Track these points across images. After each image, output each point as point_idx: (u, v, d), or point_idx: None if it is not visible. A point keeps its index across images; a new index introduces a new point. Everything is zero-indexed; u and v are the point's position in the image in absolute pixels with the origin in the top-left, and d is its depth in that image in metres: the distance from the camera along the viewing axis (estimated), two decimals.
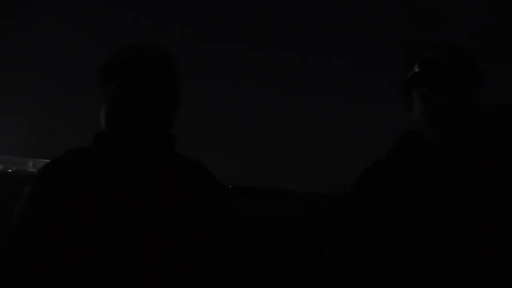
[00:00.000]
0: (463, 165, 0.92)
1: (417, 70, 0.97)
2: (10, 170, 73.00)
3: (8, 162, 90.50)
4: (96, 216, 0.84)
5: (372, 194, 0.95)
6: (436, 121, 0.92)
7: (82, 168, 0.89)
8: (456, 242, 0.86)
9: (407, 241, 0.87)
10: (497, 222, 0.86)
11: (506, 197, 0.88)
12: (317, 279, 1.02)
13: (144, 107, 0.88)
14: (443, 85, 0.91)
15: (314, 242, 7.83)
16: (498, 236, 0.86)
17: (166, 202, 0.88)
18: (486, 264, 0.84)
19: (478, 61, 0.95)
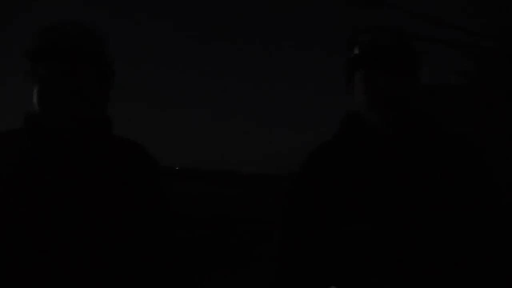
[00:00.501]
0: (404, 145, 0.94)
1: (357, 52, 0.97)
2: None
3: None
4: (27, 201, 0.83)
5: (318, 178, 0.95)
6: (376, 103, 0.93)
7: (11, 153, 0.88)
8: (399, 221, 0.88)
9: (353, 224, 0.88)
10: (437, 199, 0.89)
11: (446, 176, 0.91)
12: (265, 264, 1.03)
13: (73, 89, 0.87)
14: (382, 67, 0.92)
15: (259, 222, 7.81)
16: (438, 213, 0.88)
17: (99, 183, 0.87)
18: (430, 243, 0.87)
19: (416, 44, 0.98)
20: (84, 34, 0.91)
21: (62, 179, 0.85)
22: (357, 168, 0.93)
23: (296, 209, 0.96)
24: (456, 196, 0.90)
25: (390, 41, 0.95)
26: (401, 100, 0.93)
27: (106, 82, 0.95)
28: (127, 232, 0.87)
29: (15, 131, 0.93)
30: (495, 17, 5.68)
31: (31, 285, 0.81)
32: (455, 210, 0.89)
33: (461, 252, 0.88)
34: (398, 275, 0.86)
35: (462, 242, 0.89)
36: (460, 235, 0.89)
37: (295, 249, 0.95)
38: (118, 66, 1.01)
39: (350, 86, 1.00)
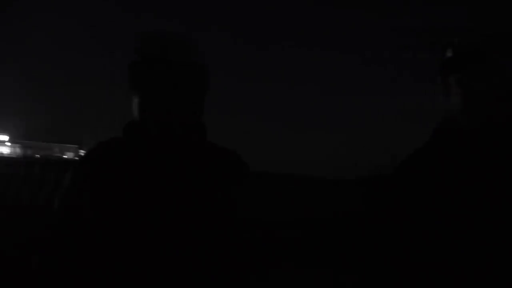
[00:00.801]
0: (500, 151, 0.90)
1: (450, 55, 0.97)
2: (38, 156, 74.95)
3: (36, 147, 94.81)
4: (132, 202, 0.90)
5: (413, 183, 0.93)
6: (473, 108, 0.92)
7: (116, 158, 0.94)
8: (495, 231, 0.85)
9: (446, 229, 0.87)
10: None
11: None
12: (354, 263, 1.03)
13: (171, 98, 0.93)
14: (478, 70, 0.92)
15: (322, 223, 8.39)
16: None
17: (196, 186, 0.93)
18: None
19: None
20: (183, 45, 0.97)
21: (161, 182, 0.92)
22: (453, 175, 0.89)
23: (392, 216, 0.94)
24: None
25: (487, 43, 0.93)
26: (497, 106, 0.91)
27: (202, 90, 1.01)
28: (218, 231, 0.94)
29: (116, 139, 0.99)
30: None
31: (135, 279, 0.89)
32: None
33: None
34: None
35: None
36: None
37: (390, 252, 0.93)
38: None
39: (446, 89, 0.99)
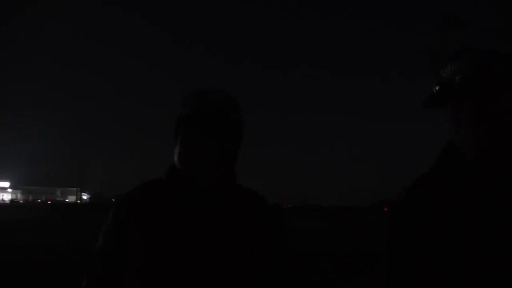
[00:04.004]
0: (504, 179, 0.87)
1: (436, 89, 0.95)
2: (39, 200, 78.70)
3: (37, 192, 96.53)
4: (170, 240, 0.94)
5: (420, 209, 0.90)
6: (470, 137, 0.89)
7: (156, 198, 1.01)
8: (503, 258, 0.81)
9: (458, 256, 0.83)
10: None
11: None
12: None
13: (211, 148, 0.99)
14: (469, 101, 0.88)
15: (348, 255, 8.14)
16: None
17: (229, 227, 0.98)
18: None
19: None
20: (226, 101, 1.04)
21: (199, 222, 0.97)
22: (459, 202, 0.86)
23: (402, 243, 0.91)
24: None
25: (471, 70, 0.88)
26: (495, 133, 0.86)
27: (238, 143, 1.07)
28: (255, 268, 0.98)
29: (158, 181, 1.06)
30: None
31: None
32: None
33: None
34: None
35: None
36: None
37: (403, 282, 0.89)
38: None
39: (453, 120, 0.93)
